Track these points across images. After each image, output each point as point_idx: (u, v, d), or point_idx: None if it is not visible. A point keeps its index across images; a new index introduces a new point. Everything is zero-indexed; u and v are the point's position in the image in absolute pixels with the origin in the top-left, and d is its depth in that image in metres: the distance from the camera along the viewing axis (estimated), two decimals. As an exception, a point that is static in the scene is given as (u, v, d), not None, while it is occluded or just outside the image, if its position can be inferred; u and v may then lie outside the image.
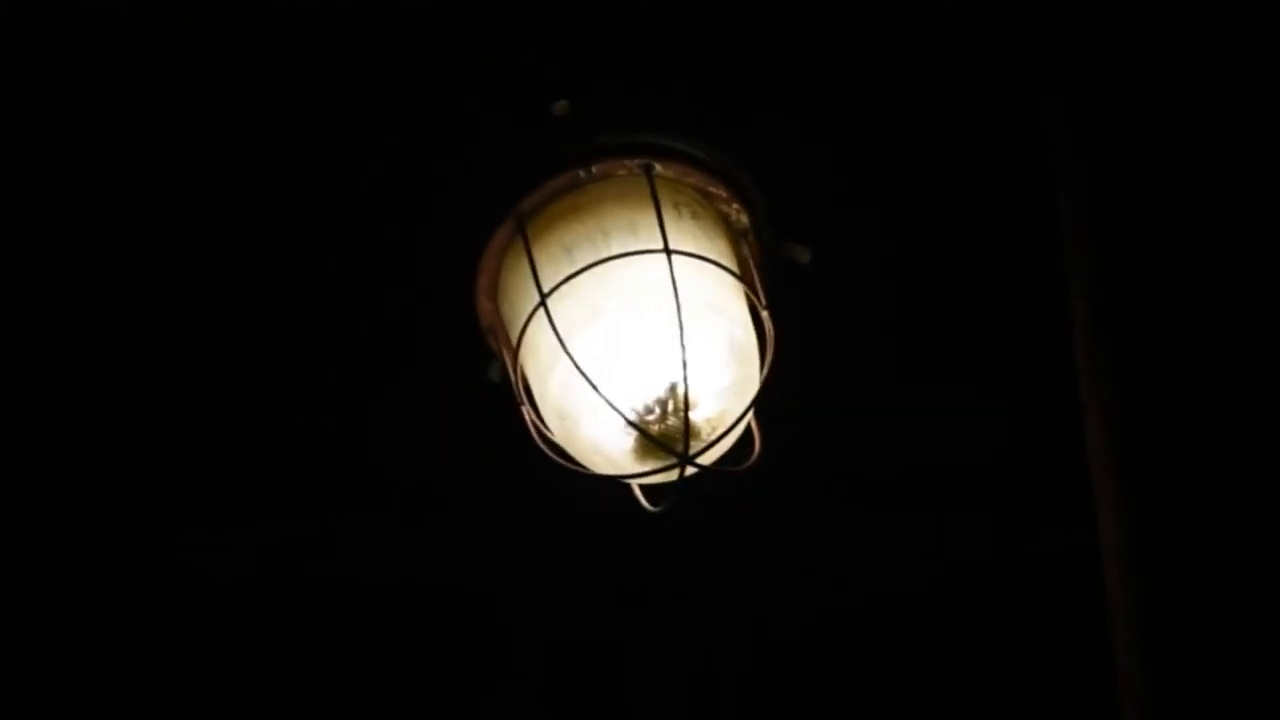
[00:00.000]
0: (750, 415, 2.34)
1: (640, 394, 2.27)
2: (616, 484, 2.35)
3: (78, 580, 3.03)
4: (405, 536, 3.05)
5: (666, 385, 2.26)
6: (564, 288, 2.30)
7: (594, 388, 2.24)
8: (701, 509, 2.92)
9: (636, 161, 2.37)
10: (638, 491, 2.36)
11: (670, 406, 2.26)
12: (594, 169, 2.37)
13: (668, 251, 2.28)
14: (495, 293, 2.42)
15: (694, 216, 2.37)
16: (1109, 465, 2.11)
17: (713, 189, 2.41)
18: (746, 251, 2.43)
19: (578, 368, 2.25)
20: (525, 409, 2.36)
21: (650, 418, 2.27)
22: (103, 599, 3.04)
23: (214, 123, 2.64)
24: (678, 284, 2.25)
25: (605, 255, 2.30)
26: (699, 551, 3.06)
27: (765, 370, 2.33)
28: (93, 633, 3.05)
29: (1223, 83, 2.24)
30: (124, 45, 2.56)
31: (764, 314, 2.37)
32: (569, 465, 2.34)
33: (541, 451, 2.36)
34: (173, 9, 2.53)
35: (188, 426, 2.92)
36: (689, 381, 2.25)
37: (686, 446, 2.24)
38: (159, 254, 2.75)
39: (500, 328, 2.42)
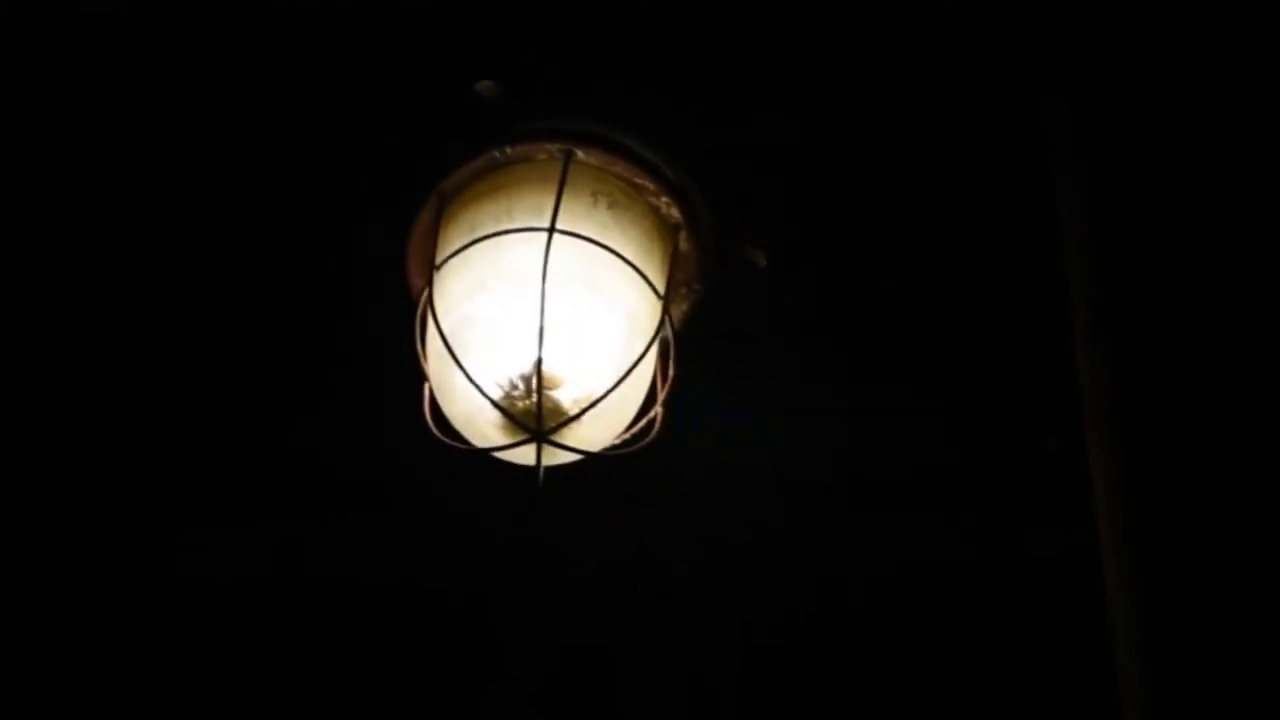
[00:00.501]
0: (634, 399, 2.34)
1: (505, 369, 2.28)
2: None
3: (78, 580, 3.03)
4: (403, 537, 3.05)
5: (530, 362, 2.27)
6: (456, 262, 2.34)
7: (455, 360, 2.27)
8: (702, 506, 2.94)
9: (556, 146, 2.38)
10: (540, 470, 2.33)
11: (533, 383, 2.26)
12: (510, 151, 2.38)
13: (550, 230, 2.29)
14: (424, 271, 2.45)
15: (611, 206, 2.39)
16: (1109, 465, 2.11)
17: (640, 181, 2.42)
18: (679, 244, 2.44)
19: (443, 338, 2.27)
20: (426, 385, 2.38)
21: (515, 393, 2.27)
22: (103, 599, 3.04)
23: (213, 123, 2.64)
24: (563, 265, 2.27)
25: (499, 231, 2.32)
26: (691, 553, 3.06)
27: (641, 354, 2.33)
28: (93, 633, 3.05)
29: (1223, 83, 2.24)
30: (124, 45, 2.56)
31: (658, 305, 2.37)
32: (447, 441, 2.34)
33: (430, 430, 2.36)
34: (173, 9, 2.53)
35: (187, 427, 2.92)
36: (553, 360, 2.26)
37: (540, 423, 2.24)
38: (159, 254, 2.75)
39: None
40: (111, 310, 2.79)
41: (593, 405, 2.27)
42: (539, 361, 2.25)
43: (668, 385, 2.39)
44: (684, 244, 2.46)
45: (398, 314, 2.73)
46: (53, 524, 2.99)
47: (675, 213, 2.45)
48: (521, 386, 2.27)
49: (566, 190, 2.34)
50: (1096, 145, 2.25)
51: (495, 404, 2.26)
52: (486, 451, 2.30)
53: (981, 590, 3.04)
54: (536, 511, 2.97)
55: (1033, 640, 3.01)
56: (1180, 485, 2.05)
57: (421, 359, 2.37)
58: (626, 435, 2.38)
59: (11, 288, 2.76)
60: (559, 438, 2.26)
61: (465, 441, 2.35)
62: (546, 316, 2.25)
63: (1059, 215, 2.30)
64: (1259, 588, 2.00)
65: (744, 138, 2.63)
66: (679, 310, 2.49)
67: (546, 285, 2.26)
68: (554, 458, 2.29)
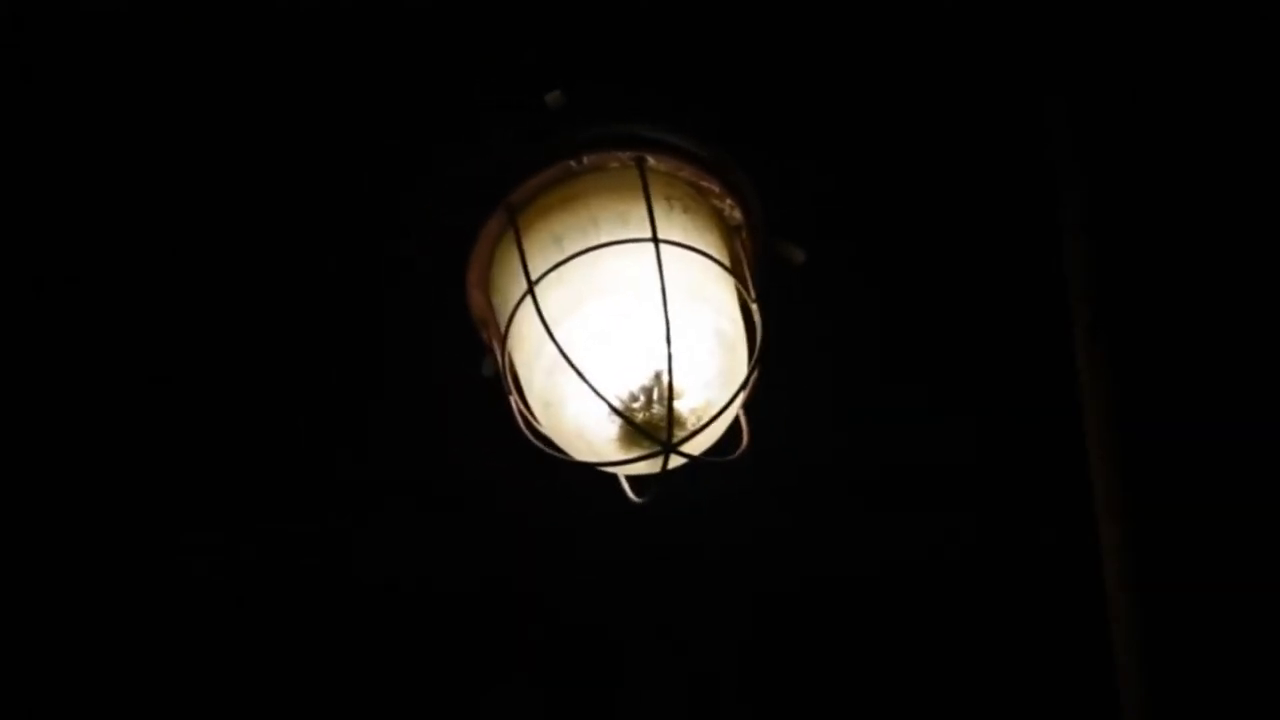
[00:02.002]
0: (737, 407, 2.34)
1: (625, 381, 2.27)
2: (605, 476, 2.35)
3: (77, 580, 3.03)
4: (405, 536, 3.05)
5: (652, 373, 2.26)
6: (552, 276, 2.31)
7: (578, 373, 2.24)
8: (702, 507, 2.93)
9: (628, 154, 2.38)
10: (623, 482, 2.36)
11: (655, 395, 2.26)
12: (585, 160, 2.38)
13: (655, 241, 2.28)
14: (487, 285, 2.43)
15: (685, 210, 2.38)
16: (1109, 465, 2.11)
17: (705, 184, 2.42)
18: (740, 247, 2.44)
19: (562, 353, 2.25)
20: (513, 398, 2.37)
21: (635, 405, 2.27)
22: (102, 599, 3.04)
23: (213, 123, 2.64)
24: (665, 273, 2.26)
25: (594, 244, 2.31)
26: (691, 553, 3.06)
27: (752, 362, 2.34)
28: (92, 632, 3.05)
29: (1223, 83, 2.24)
30: (124, 45, 2.56)
31: (753, 307, 2.37)
32: (555, 454, 2.35)
33: (529, 442, 2.36)
34: (173, 9, 2.53)
35: (187, 426, 2.92)
36: (674, 370, 2.25)
37: (670, 435, 2.24)
38: (159, 254, 2.75)
39: (492, 320, 2.43)
40: (111, 310, 2.79)
41: (718, 415, 2.27)
42: (669, 372, 2.24)
43: (749, 389, 2.39)
44: (744, 245, 2.46)
45: (400, 316, 2.74)
46: (52, 523, 2.99)
47: (737, 214, 2.45)
48: (642, 398, 2.27)
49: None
50: (1096, 145, 2.25)
51: (624, 416, 2.25)
52: (610, 465, 2.30)
53: (981, 590, 3.04)
54: (537, 513, 2.97)
55: (1033, 640, 3.01)
56: (1180, 485, 2.05)
57: (506, 374, 2.36)
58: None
59: (11, 288, 2.76)
60: (684, 448, 2.25)
61: (562, 453, 2.34)
62: (661, 326, 2.24)
63: (1059, 215, 2.30)
64: (1259, 588, 2.00)
65: (741, 138, 2.63)
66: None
67: (666, 296, 2.24)
68: (673, 465, 2.29)
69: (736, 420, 2.38)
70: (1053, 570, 2.95)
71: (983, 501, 3.00)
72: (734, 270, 2.38)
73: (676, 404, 2.27)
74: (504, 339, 2.36)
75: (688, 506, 2.91)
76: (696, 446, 2.29)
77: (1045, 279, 2.55)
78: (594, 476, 2.36)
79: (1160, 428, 2.08)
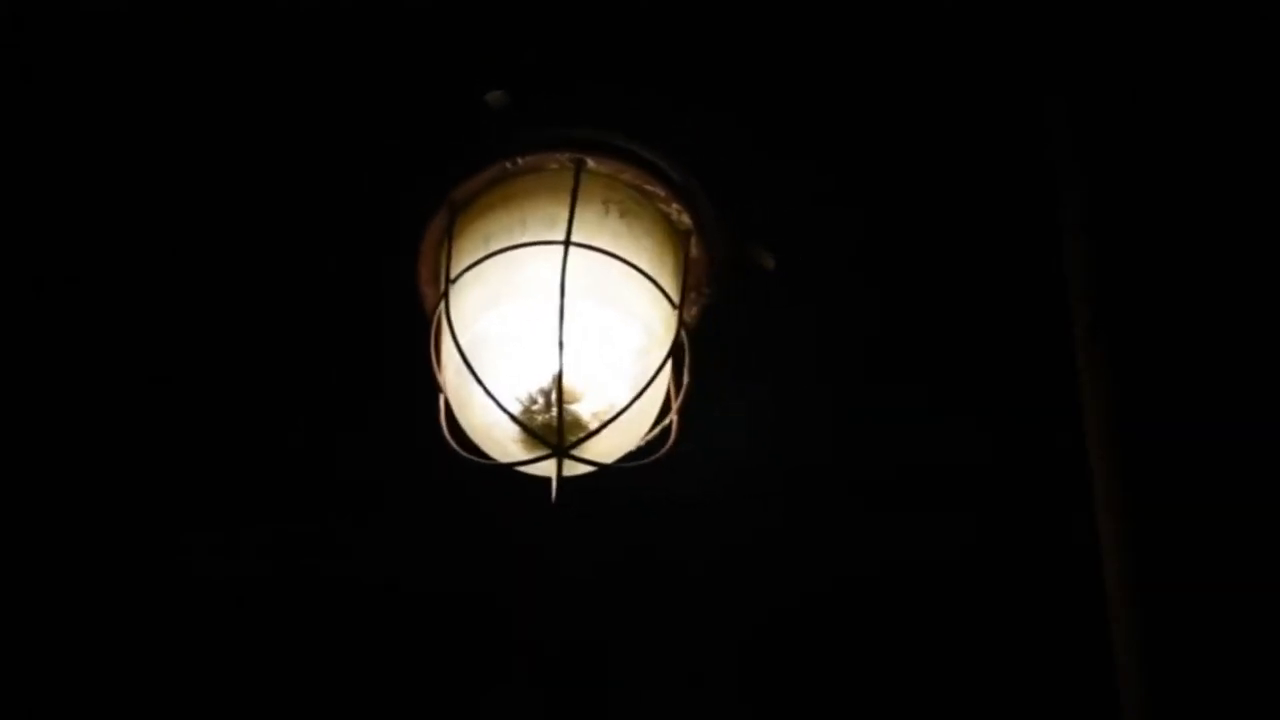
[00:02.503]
0: (650, 411, 2.34)
1: (525, 384, 2.28)
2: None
3: (78, 580, 3.03)
4: (403, 537, 3.05)
5: (550, 376, 2.26)
6: (472, 275, 2.33)
7: (473, 374, 2.26)
8: (702, 507, 2.93)
9: (567, 155, 2.38)
10: (553, 483, 2.34)
11: (553, 397, 2.25)
12: (521, 161, 2.38)
13: (566, 244, 2.28)
14: (435, 282, 2.44)
15: (623, 214, 2.38)
16: (1109, 465, 2.11)
17: (649, 188, 2.41)
18: (689, 250, 2.43)
19: (461, 354, 2.27)
20: (441, 397, 2.37)
21: (534, 408, 2.27)
22: (103, 598, 3.04)
23: (213, 123, 2.64)
24: (579, 277, 2.27)
25: (514, 244, 2.32)
26: (691, 553, 3.06)
27: (659, 367, 2.33)
28: (93, 632, 3.05)
29: (1223, 83, 2.24)
30: (124, 45, 2.56)
31: (672, 314, 2.36)
32: (465, 454, 2.34)
33: (446, 440, 2.36)
34: (173, 9, 2.53)
35: (187, 427, 2.92)
36: (571, 374, 2.25)
37: (561, 438, 2.24)
38: (159, 254, 2.75)
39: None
40: (111, 310, 2.79)
41: (613, 419, 2.27)
42: (559, 376, 2.24)
43: (682, 394, 2.38)
44: (694, 249, 2.45)
45: (400, 316, 2.73)
46: (53, 523, 2.99)
47: (685, 219, 2.44)
48: (541, 401, 2.27)
49: (579, 200, 2.33)
50: (1096, 145, 2.25)
51: (515, 419, 2.25)
52: (507, 466, 2.30)
53: (981, 590, 3.04)
54: (537, 513, 2.97)
55: (1033, 640, 3.01)
56: (1180, 485, 2.05)
57: (436, 371, 2.37)
58: (642, 444, 2.37)
59: (11, 288, 2.76)
60: (579, 452, 2.25)
61: (482, 453, 2.34)
62: (565, 330, 2.24)
63: (1059, 215, 2.30)
64: (1259, 588, 2.00)
65: (742, 138, 2.63)
66: (689, 315, 2.48)
67: (564, 299, 2.25)
68: (572, 470, 2.28)
69: (670, 425, 2.37)
70: (1053, 570, 2.95)
71: (983, 501, 3.00)
72: (657, 277, 2.37)
73: (576, 407, 2.27)
74: (436, 337, 2.38)
75: (687, 506, 2.91)
76: (600, 450, 2.29)
77: (1045, 279, 2.55)
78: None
79: (1160, 428, 2.07)
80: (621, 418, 2.28)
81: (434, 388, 2.38)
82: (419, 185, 2.42)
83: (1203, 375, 2.10)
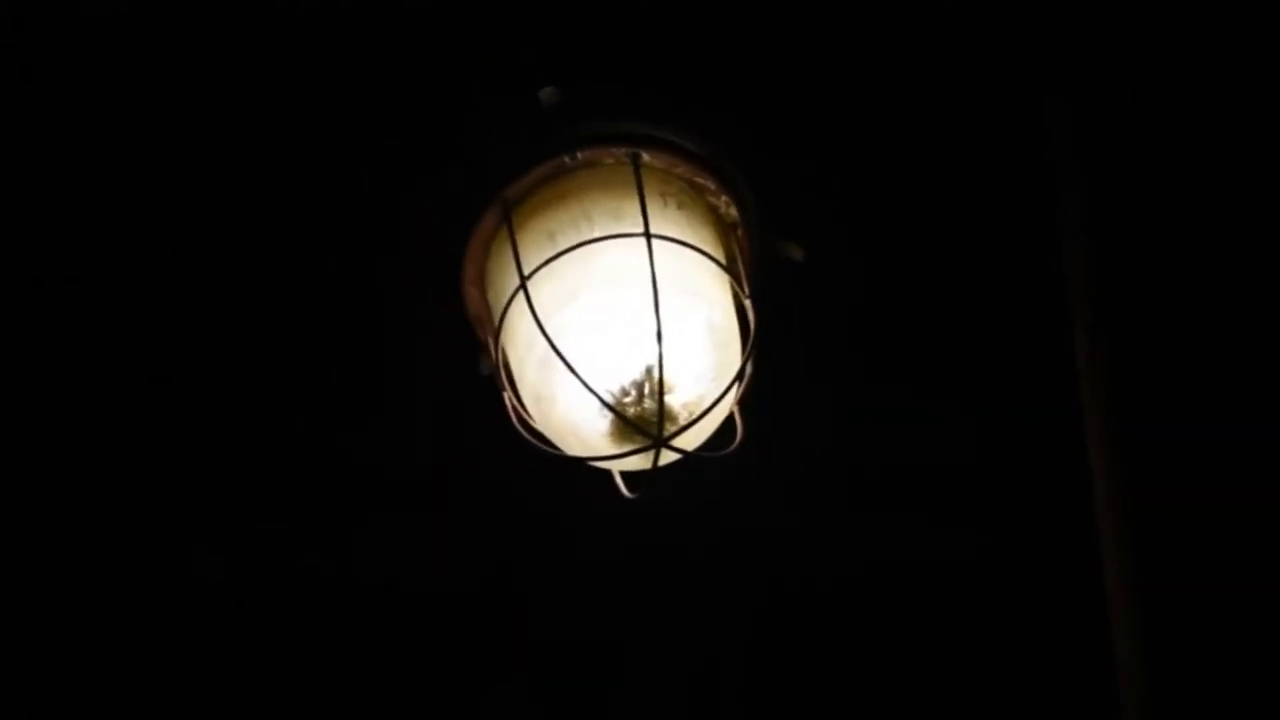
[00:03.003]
0: (730, 402, 2.34)
1: (616, 376, 2.27)
2: (600, 472, 2.35)
3: (77, 580, 3.03)
4: (405, 536, 3.05)
5: (643, 368, 2.26)
6: (544, 271, 2.31)
7: (569, 367, 2.24)
8: (701, 506, 2.93)
9: (623, 150, 2.38)
10: (617, 477, 2.36)
11: (646, 389, 2.26)
12: (579, 156, 2.38)
13: (648, 235, 2.28)
14: (483, 282, 2.43)
15: (680, 206, 2.38)
16: (1109, 465, 2.11)
17: (700, 180, 2.42)
18: (735, 244, 2.44)
19: (553, 347, 2.25)
20: (507, 394, 2.37)
21: (626, 400, 2.27)
22: (102, 599, 3.04)
23: (214, 123, 2.64)
24: (656, 268, 2.26)
25: (586, 239, 2.31)
26: (690, 553, 3.06)
27: (745, 358, 2.33)
28: (92, 632, 3.05)
29: (1223, 83, 2.24)
30: (124, 45, 2.56)
31: (746, 303, 2.37)
32: (547, 449, 2.35)
33: (523, 438, 2.36)
34: (173, 9, 2.53)
35: (187, 427, 2.92)
36: (665, 365, 2.25)
37: (661, 429, 2.24)
38: (159, 254, 2.75)
39: (487, 317, 2.43)
40: (111, 310, 2.79)
41: (711, 408, 2.27)
42: (660, 367, 2.24)
43: (744, 385, 2.38)
44: (741, 241, 2.46)
45: (400, 316, 2.74)
46: (52, 523, 2.99)
47: (733, 211, 2.45)
48: (634, 393, 2.27)
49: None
50: (1096, 145, 2.25)
51: (614, 410, 2.25)
52: (602, 459, 2.29)
53: (981, 589, 3.04)
54: (538, 513, 2.97)
55: (1033, 640, 3.01)
56: (1180, 485, 2.05)
57: (498, 369, 2.36)
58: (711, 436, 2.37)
59: (11, 288, 2.76)
60: (675, 443, 2.25)
61: (554, 448, 2.34)
62: (659, 321, 2.24)
63: (1059, 215, 2.30)
64: (1259, 587, 2.00)
65: (742, 138, 2.63)
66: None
67: (657, 290, 2.24)
68: (665, 460, 2.28)
69: (731, 416, 2.38)
70: (1052, 570, 2.95)
71: (983, 501, 3.00)
72: (728, 267, 2.38)
73: (668, 399, 2.26)
74: (498, 334, 2.37)
75: (686, 505, 2.91)
76: (688, 441, 2.29)
77: (1045, 279, 2.55)
78: (590, 473, 2.36)
79: (1160, 427, 2.08)
80: (713, 409, 2.28)
81: (498, 387, 2.37)
82: (466, 183, 2.41)
83: (1202, 375, 2.10)
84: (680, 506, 2.94)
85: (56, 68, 2.56)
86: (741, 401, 2.38)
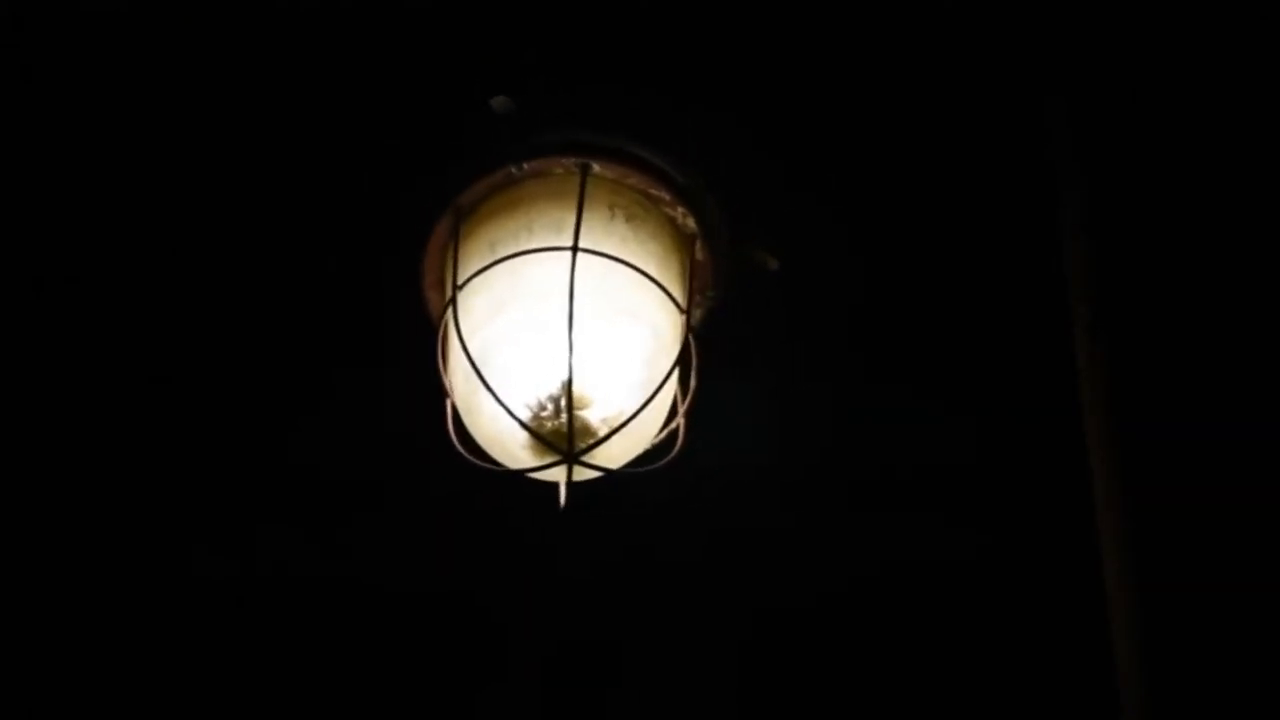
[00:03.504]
0: (658, 416, 2.33)
1: (534, 390, 2.27)
2: (520, 480, 2.34)
3: (77, 581, 3.03)
4: (405, 536, 3.05)
5: (559, 382, 2.26)
6: (479, 281, 2.32)
7: (482, 381, 2.25)
8: (699, 507, 2.93)
9: (573, 160, 2.37)
10: (562, 487, 2.33)
11: (562, 403, 2.25)
12: (526, 166, 2.37)
13: (574, 249, 2.28)
14: (440, 287, 2.44)
15: (629, 219, 2.37)
16: (1109, 465, 2.11)
17: (655, 192, 2.41)
18: (695, 255, 2.43)
19: (469, 359, 2.26)
20: (448, 401, 2.37)
21: (543, 414, 2.27)
22: (102, 599, 3.04)
23: (213, 123, 2.64)
24: (586, 283, 2.26)
25: (524, 249, 2.31)
26: (690, 553, 3.06)
27: (668, 373, 2.32)
28: (92, 633, 3.05)
29: (1223, 83, 2.24)
30: (124, 45, 2.56)
31: (679, 319, 2.36)
32: (475, 460, 2.34)
33: (455, 447, 2.36)
34: (173, 9, 2.53)
35: (187, 427, 2.92)
36: (580, 380, 2.25)
37: (571, 445, 2.23)
38: (159, 254, 2.75)
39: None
40: (111, 310, 2.79)
41: (623, 425, 2.26)
42: (569, 382, 2.24)
43: (689, 397, 2.38)
44: (699, 253, 2.45)
45: (399, 316, 2.73)
46: (53, 524, 2.99)
47: (691, 222, 2.44)
48: (550, 407, 2.26)
49: (585, 205, 2.32)
50: (1096, 145, 2.25)
51: (525, 426, 2.25)
52: (516, 473, 2.29)
53: (981, 590, 3.04)
54: (535, 514, 2.97)
55: (1033, 640, 3.01)
56: (1180, 485, 2.05)
57: (443, 376, 2.37)
58: (650, 448, 2.36)
59: (11, 288, 2.76)
60: (589, 458, 2.25)
61: (489, 459, 2.34)
62: (573, 336, 2.24)
63: (1059, 215, 2.30)
64: (1259, 587, 2.00)
65: (742, 138, 2.63)
66: (696, 319, 2.46)
67: (572, 305, 2.24)
68: (581, 476, 2.28)
69: (676, 430, 2.37)
70: (1052, 570, 2.95)
71: (982, 501, 3.00)
72: (664, 282, 2.36)
73: (585, 413, 2.26)
74: (442, 343, 2.37)
75: (686, 506, 2.91)
76: (608, 456, 2.28)
77: (1045, 279, 2.55)
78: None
79: (1160, 427, 2.08)
80: (631, 423, 2.27)
81: (440, 393, 2.38)
82: (422, 188, 2.42)
83: (1202, 375, 2.10)
84: (680, 507, 2.94)
85: (56, 68, 2.56)
86: (688, 414, 2.37)
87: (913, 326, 2.86)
